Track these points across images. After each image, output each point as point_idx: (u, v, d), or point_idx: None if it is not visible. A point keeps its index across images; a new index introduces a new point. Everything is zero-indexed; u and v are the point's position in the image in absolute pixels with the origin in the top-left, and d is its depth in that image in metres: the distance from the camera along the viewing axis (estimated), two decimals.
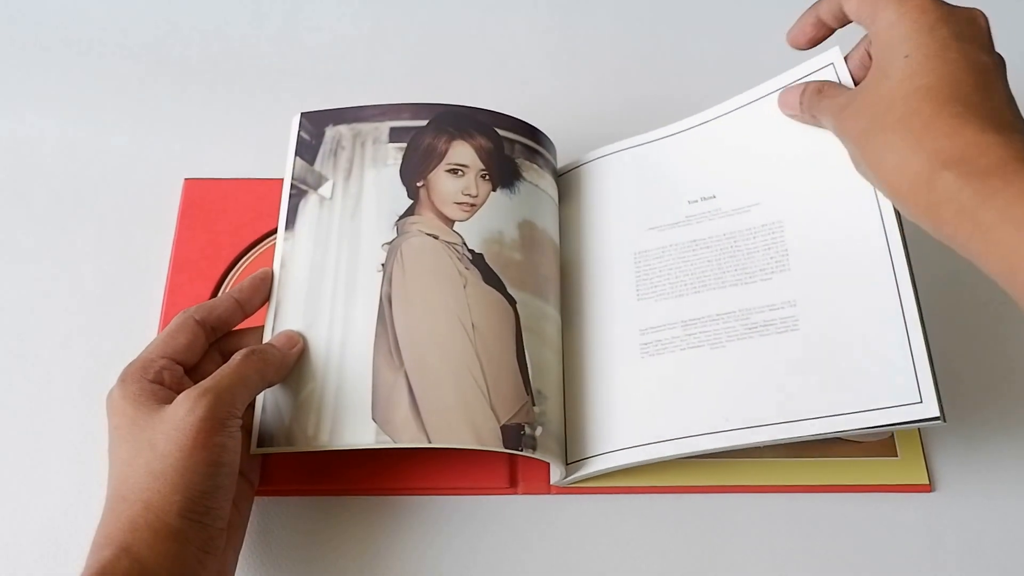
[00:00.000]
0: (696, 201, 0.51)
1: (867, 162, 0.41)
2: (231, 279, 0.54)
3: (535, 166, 0.52)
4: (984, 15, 0.42)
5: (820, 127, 0.47)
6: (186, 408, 0.40)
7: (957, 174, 0.36)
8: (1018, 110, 0.39)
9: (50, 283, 0.55)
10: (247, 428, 0.44)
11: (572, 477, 0.47)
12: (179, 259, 0.54)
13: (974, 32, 0.40)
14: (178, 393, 0.41)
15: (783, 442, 0.43)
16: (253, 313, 0.47)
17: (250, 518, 0.46)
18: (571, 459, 0.47)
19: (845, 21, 0.45)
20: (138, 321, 0.52)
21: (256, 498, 0.48)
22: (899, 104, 0.39)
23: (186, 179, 0.57)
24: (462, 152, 0.51)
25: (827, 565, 0.48)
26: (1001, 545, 0.48)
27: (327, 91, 0.63)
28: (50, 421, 0.50)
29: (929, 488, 0.49)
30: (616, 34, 0.67)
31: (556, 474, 0.47)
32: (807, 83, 0.47)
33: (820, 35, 0.47)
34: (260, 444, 0.44)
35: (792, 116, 0.48)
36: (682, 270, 0.49)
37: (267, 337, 0.47)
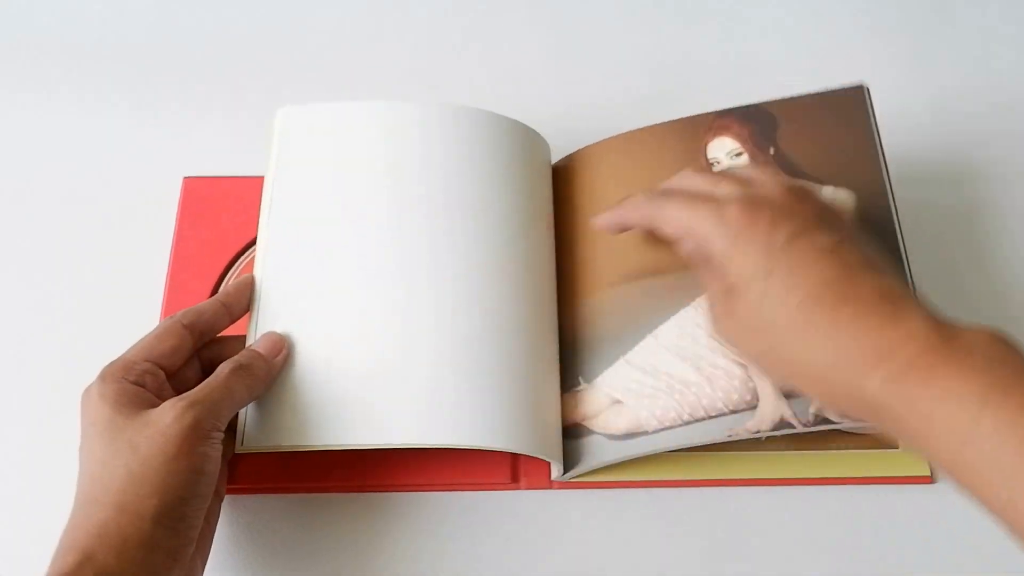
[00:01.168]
0: None
1: (784, 375, 0.40)
2: (231, 277, 0.54)
3: None
4: (794, 193, 0.41)
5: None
6: (172, 416, 0.39)
7: (880, 381, 0.35)
8: (889, 269, 0.39)
9: (49, 282, 0.55)
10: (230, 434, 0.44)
11: (572, 472, 0.47)
12: (179, 257, 0.54)
13: (802, 214, 0.40)
14: (159, 397, 0.41)
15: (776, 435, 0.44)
16: (240, 317, 0.47)
17: (248, 517, 0.46)
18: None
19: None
20: (138, 320, 0.52)
21: (251, 496, 0.48)
22: (792, 321, 0.37)
23: (185, 177, 0.57)
24: None
25: (829, 557, 0.48)
26: (1001, 536, 0.48)
27: (327, 89, 0.63)
28: (49, 421, 0.50)
29: (930, 479, 0.49)
30: (616, 32, 0.67)
31: (556, 470, 0.48)
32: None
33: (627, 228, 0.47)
34: (246, 443, 0.45)
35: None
36: None
37: (251, 339, 0.46)
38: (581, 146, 0.55)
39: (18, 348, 0.53)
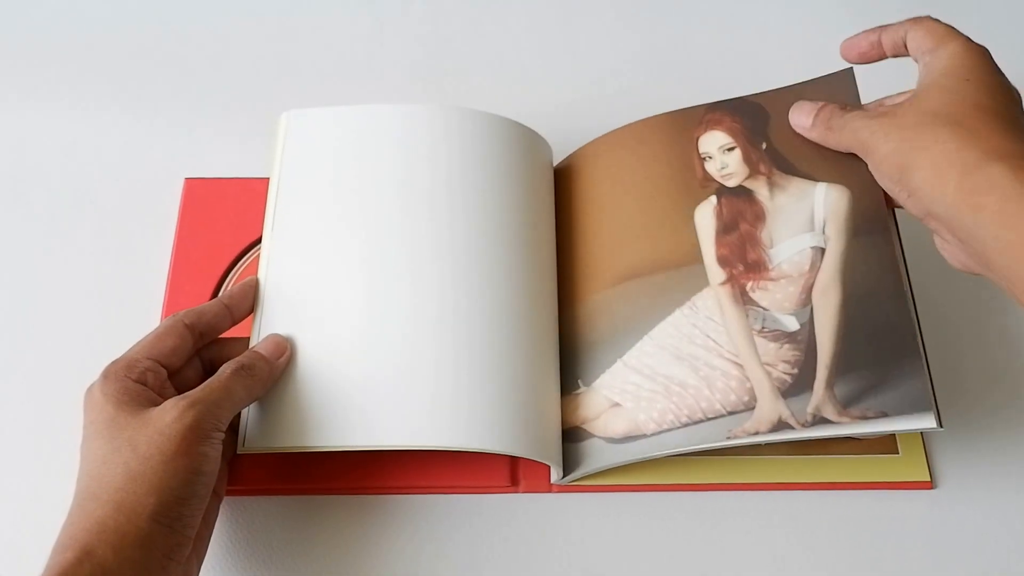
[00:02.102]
0: None
1: (910, 150, 0.42)
2: (232, 278, 0.54)
3: None
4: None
5: (829, 144, 0.47)
6: (173, 416, 0.40)
7: (1008, 166, 0.38)
8: None
9: (51, 283, 0.56)
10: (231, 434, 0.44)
11: (572, 476, 0.47)
12: (180, 259, 0.55)
13: (1005, 78, 0.44)
14: (160, 396, 0.42)
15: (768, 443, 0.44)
16: (242, 319, 0.47)
17: (247, 518, 0.46)
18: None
19: (898, 53, 0.47)
20: (139, 321, 0.52)
21: (251, 497, 0.48)
22: (956, 111, 0.41)
23: (187, 179, 0.57)
24: None
25: (829, 563, 0.47)
26: (1003, 542, 0.48)
27: (327, 90, 0.63)
28: (50, 421, 0.50)
29: (931, 485, 0.49)
30: (617, 33, 0.67)
31: (556, 473, 0.47)
32: (825, 103, 0.48)
33: (871, 56, 0.48)
34: (247, 443, 0.45)
35: (802, 131, 0.48)
36: None
37: (254, 340, 0.47)
38: (581, 146, 0.55)
39: (20, 348, 0.53)
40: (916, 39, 0.46)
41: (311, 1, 0.68)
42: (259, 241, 0.55)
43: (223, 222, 0.56)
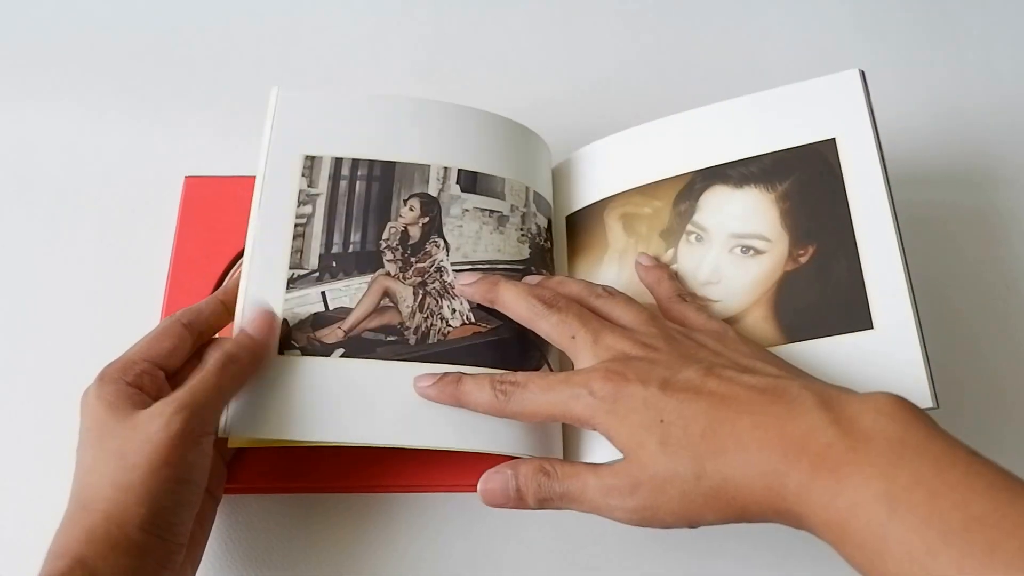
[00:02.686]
0: None
1: (704, 512, 0.37)
2: (232, 276, 0.54)
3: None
4: (653, 321, 0.43)
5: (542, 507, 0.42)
6: (160, 423, 0.39)
7: (796, 484, 0.34)
8: (761, 357, 0.41)
9: (51, 282, 0.55)
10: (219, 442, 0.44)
11: None
12: (180, 257, 0.54)
13: (656, 361, 0.40)
14: (156, 399, 0.41)
15: None
16: None
17: (244, 517, 0.47)
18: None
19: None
20: (139, 319, 0.52)
21: (248, 496, 0.48)
22: (701, 452, 0.37)
23: (187, 177, 0.57)
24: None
25: (827, 561, 0.47)
26: None
27: (328, 89, 0.63)
28: (50, 420, 0.50)
29: None
30: (618, 33, 0.67)
31: None
32: (517, 464, 0.42)
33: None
34: (231, 430, 0.44)
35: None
36: None
37: (238, 319, 0.45)
38: (581, 147, 0.55)
39: (20, 347, 0.53)
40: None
41: (313, 0, 0.68)
42: None
43: (223, 221, 0.55)
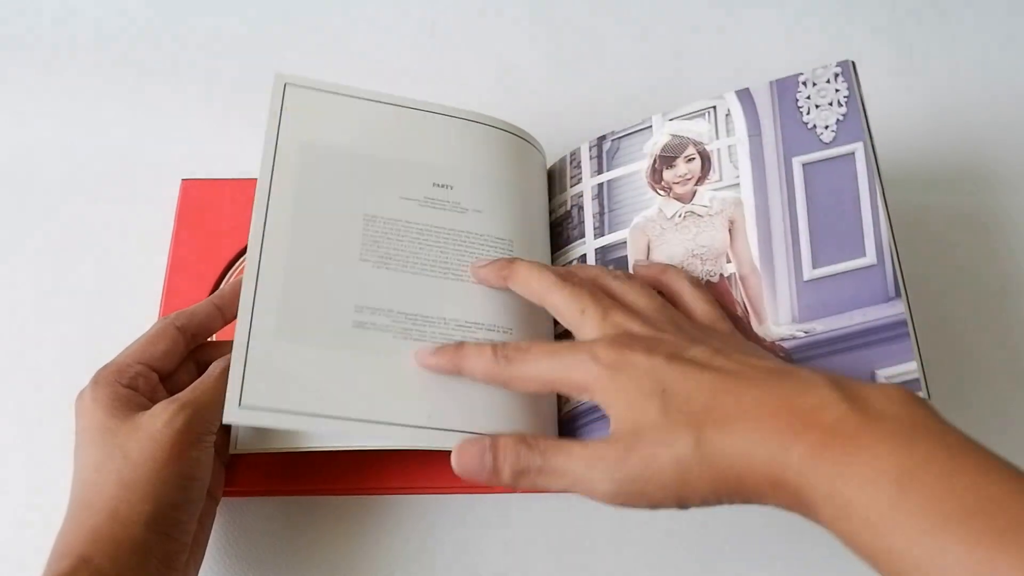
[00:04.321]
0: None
1: (706, 488, 0.35)
2: (229, 279, 0.54)
3: None
4: (660, 307, 0.42)
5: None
6: (163, 420, 0.39)
7: (799, 457, 0.33)
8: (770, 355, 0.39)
9: (47, 284, 0.55)
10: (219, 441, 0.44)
11: None
12: (176, 260, 0.54)
13: (663, 340, 0.39)
14: (151, 401, 0.41)
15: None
16: (234, 319, 0.47)
17: (244, 519, 0.46)
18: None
19: None
20: (135, 322, 0.52)
21: (239, 498, 0.48)
22: (703, 422, 0.35)
23: (183, 179, 0.57)
24: None
25: (823, 558, 0.48)
26: None
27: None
28: (46, 422, 0.50)
29: None
30: (612, 33, 0.67)
31: None
32: (498, 435, 0.39)
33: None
34: (240, 444, 0.44)
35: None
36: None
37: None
38: (576, 147, 0.55)
39: (16, 350, 0.53)
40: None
41: (309, 2, 0.68)
42: None
43: (220, 223, 0.55)
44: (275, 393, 0.42)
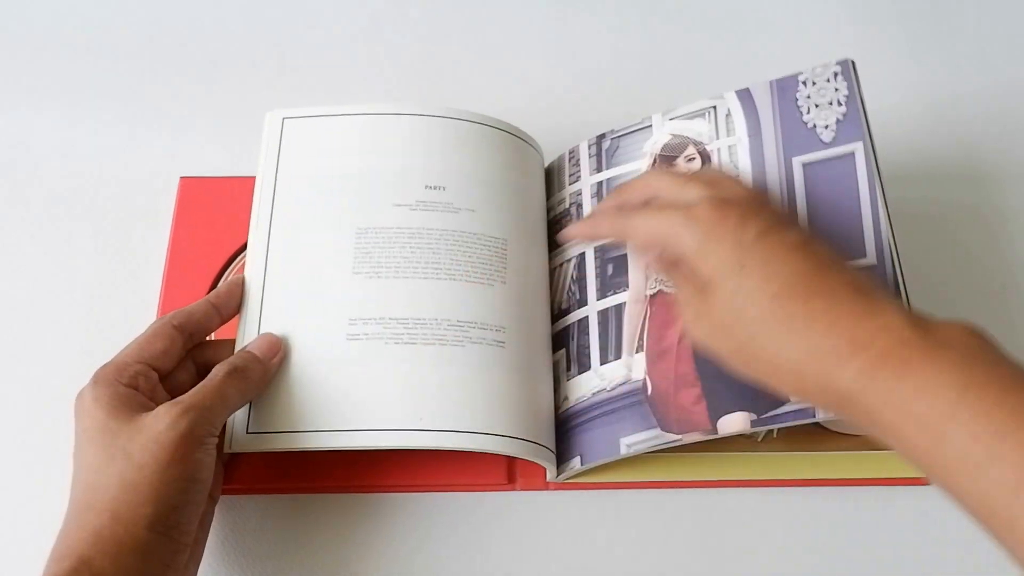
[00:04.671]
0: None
1: (757, 370, 0.38)
2: (227, 277, 0.54)
3: None
4: (758, 196, 0.42)
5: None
6: (167, 422, 0.39)
7: (855, 372, 0.34)
8: (857, 270, 0.39)
9: (46, 282, 0.55)
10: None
11: (567, 473, 0.47)
12: (175, 258, 0.54)
13: (768, 213, 0.40)
14: (152, 400, 0.41)
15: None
16: (230, 318, 0.47)
17: (243, 517, 0.47)
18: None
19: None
20: (134, 321, 0.52)
21: (246, 496, 0.48)
22: (766, 314, 0.37)
23: (182, 177, 0.57)
24: None
25: (823, 558, 0.48)
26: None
27: (323, 89, 0.63)
28: (45, 421, 0.50)
29: (926, 481, 0.49)
30: (614, 31, 0.67)
31: (551, 471, 0.47)
32: (662, 246, 0.42)
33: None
34: (235, 445, 0.45)
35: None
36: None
37: (242, 342, 0.46)
38: (575, 145, 0.55)
39: (14, 349, 0.53)
40: (649, 256, 0.43)
41: (306, 0, 0.68)
42: None
43: (218, 221, 0.55)
44: (279, 417, 0.45)
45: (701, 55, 0.65)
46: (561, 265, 0.52)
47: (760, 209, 0.40)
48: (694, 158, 0.50)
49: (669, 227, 0.40)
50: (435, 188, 0.50)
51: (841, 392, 0.35)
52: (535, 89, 0.64)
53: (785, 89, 0.49)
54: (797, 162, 0.48)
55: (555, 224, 0.54)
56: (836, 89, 0.48)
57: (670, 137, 0.51)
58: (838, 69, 0.48)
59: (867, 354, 0.34)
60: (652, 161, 0.51)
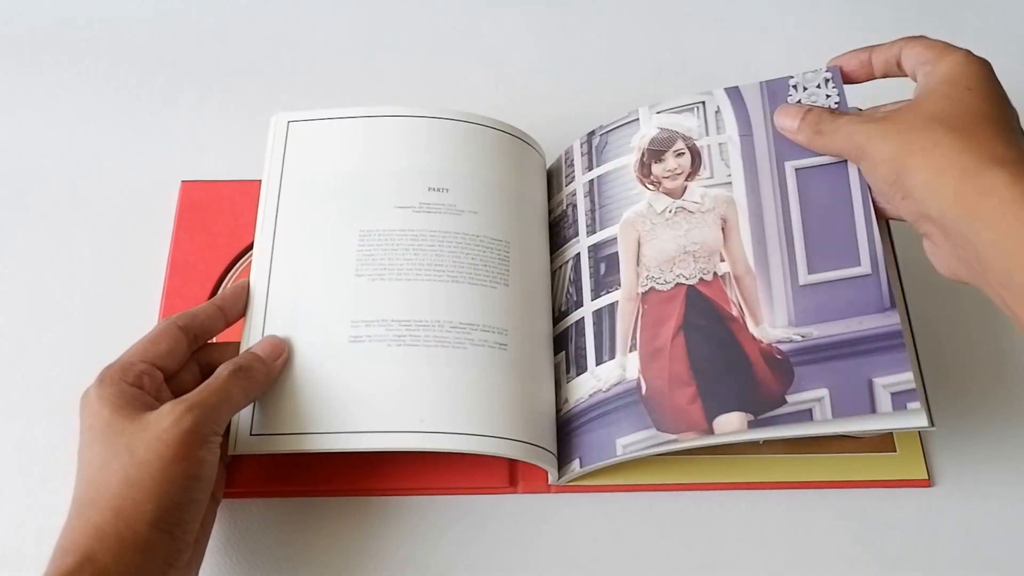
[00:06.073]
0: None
1: (909, 153, 0.41)
2: (229, 281, 0.54)
3: None
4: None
5: (816, 148, 0.47)
6: (171, 420, 0.40)
7: (1008, 173, 0.38)
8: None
9: (47, 286, 0.56)
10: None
11: (569, 476, 0.47)
12: (176, 262, 0.55)
13: (1004, 91, 0.44)
14: (157, 399, 0.41)
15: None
16: (235, 321, 0.48)
17: (245, 520, 0.47)
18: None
19: (888, 73, 0.48)
20: (136, 323, 0.52)
21: (242, 499, 0.48)
22: (957, 117, 0.41)
23: (183, 181, 0.57)
24: None
25: (827, 561, 0.48)
26: (1000, 540, 0.48)
27: (323, 91, 0.63)
28: (46, 424, 0.50)
29: (928, 483, 0.49)
30: (611, 34, 0.67)
31: (553, 474, 0.47)
32: (811, 107, 0.47)
33: (860, 76, 0.48)
34: (239, 447, 0.45)
35: (788, 134, 0.48)
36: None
37: (247, 344, 0.46)
38: (569, 146, 0.55)
39: (17, 351, 0.53)
40: (913, 55, 0.46)
41: (308, 3, 0.68)
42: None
43: (220, 224, 0.56)
44: (283, 418, 0.45)
45: (701, 57, 0.65)
46: (561, 267, 0.52)
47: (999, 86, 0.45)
48: (683, 152, 0.50)
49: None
50: (438, 190, 0.50)
51: (982, 184, 0.38)
52: (537, 91, 0.64)
53: (776, 92, 0.49)
54: (790, 167, 0.48)
55: (555, 226, 0.54)
56: (827, 95, 0.48)
57: (657, 131, 0.51)
58: (828, 75, 0.48)
59: (1021, 167, 0.39)
60: (640, 155, 0.51)
